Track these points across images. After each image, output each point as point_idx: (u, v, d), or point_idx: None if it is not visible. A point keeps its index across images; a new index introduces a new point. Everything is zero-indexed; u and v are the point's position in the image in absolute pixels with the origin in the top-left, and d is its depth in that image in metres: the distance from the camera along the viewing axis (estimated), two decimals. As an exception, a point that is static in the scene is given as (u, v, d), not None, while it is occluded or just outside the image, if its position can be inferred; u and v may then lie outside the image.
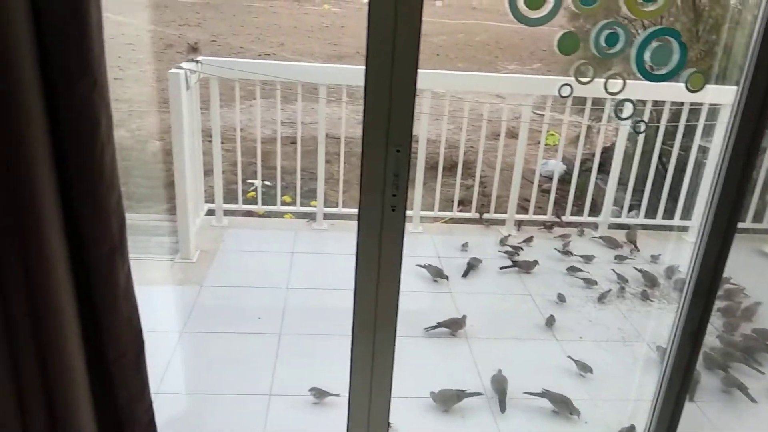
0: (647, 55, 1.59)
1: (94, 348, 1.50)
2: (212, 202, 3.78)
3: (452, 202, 4.62)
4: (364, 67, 1.57)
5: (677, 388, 1.92)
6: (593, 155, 4.13)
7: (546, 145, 5.72)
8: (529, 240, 3.83)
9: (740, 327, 2.98)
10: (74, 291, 1.42)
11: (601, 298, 3.21)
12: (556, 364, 2.71)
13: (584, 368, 2.65)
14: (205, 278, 3.14)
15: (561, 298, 3.17)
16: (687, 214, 3.97)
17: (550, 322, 2.97)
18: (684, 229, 4.00)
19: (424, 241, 3.85)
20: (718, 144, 2.65)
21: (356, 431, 1.96)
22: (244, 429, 2.21)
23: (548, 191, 4.51)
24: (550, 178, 4.54)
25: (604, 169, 4.11)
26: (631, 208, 4.11)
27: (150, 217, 4.36)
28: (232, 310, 2.92)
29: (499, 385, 2.51)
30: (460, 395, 2.42)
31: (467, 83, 4.14)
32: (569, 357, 2.70)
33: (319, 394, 2.36)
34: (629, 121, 1.76)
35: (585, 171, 4.29)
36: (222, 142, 4.76)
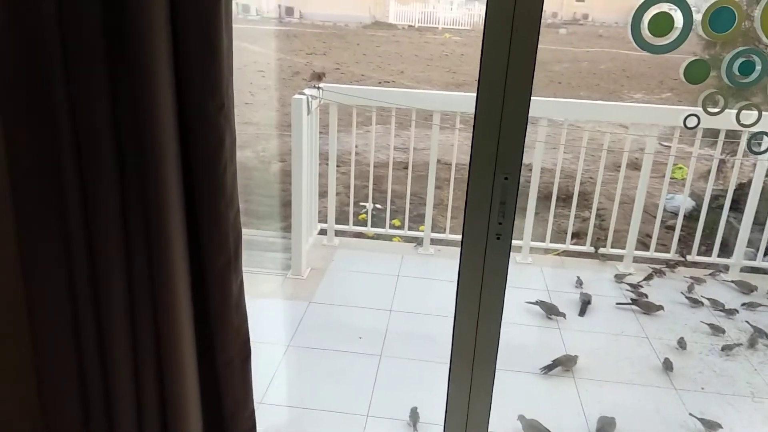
0: (788, 85, 1.46)
1: (205, 353, 1.59)
2: (325, 222, 3.90)
3: (565, 233, 4.46)
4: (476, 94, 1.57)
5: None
6: (726, 191, 3.81)
7: (673, 178, 5.38)
8: (649, 278, 3.60)
9: None
10: (191, 298, 1.52)
11: (728, 348, 2.93)
12: (672, 414, 2.50)
13: (711, 426, 2.42)
14: (314, 295, 3.24)
15: (681, 344, 2.93)
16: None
17: (668, 367, 2.76)
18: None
19: (534, 273, 3.73)
20: None
21: (450, 462, 1.92)
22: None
23: (673, 228, 4.22)
24: (676, 214, 4.24)
25: (737, 207, 3.78)
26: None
27: (268, 234, 4.60)
28: (337, 328, 2.99)
29: (602, 426, 2.37)
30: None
31: (582, 111, 4.00)
32: (691, 414, 2.47)
33: (415, 419, 2.35)
34: (766, 156, 1.62)
35: (715, 208, 3.97)
36: (338, 166, 4.95)
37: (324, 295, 3.25)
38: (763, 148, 1.59)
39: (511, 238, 1.68)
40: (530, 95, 1.54)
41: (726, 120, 1.72)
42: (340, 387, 2.56)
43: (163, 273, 1.44)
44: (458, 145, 3.90)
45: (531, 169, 3.71)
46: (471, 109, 3.91)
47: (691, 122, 1.62)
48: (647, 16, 1.45)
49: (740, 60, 1.47)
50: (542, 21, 1.47)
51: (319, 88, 3.41)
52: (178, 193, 1.42)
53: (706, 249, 3.91)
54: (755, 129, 1.57)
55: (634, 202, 3.77)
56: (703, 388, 2.68)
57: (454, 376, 1.82)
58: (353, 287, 3.42)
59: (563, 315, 3.17)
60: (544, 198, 4.30)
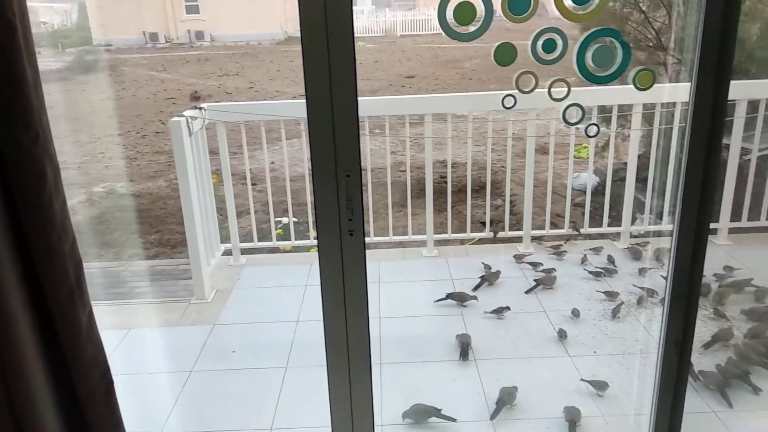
0: (589, 58, 1.56)
1: (63, 388, 1.56)
2: (249, 241, 3.94)
3: (479, 224, 4.59)
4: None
5: (670, 398, 1.82)
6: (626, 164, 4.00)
7: (579, 157, 5.63)
8: (557, 250, 3.76)
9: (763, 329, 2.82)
10: (39, 334, 1.49)
11: (616, 312, 3.09)
12: (567, 381, 2.61)
13: (600, 386, 2.53)
14: (218, 317, 3.21)
15: (575, 313, 3.07)
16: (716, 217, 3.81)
17: (563, 336, 2.89)
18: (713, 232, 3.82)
19: (440, 264, 3.82)
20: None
21: (343, 460, 1.94)
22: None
23: (580, 205, 4.40)
24: (583, 191, 4.44)
25: (639, 177, 3.98)
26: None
27: (179, 262, 4.51)
28: (241, 347, 2.97)
29: (502, 397, 2.47)
30: (432, 412, 2.38)
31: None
32: (582, 379, 2.58)
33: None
34: (581, 126, 1.74)
35: (618, 181, 4.18)
36: (254, 184, 4.92)
37: (229, 316, 3.22)
38: (576, 120, 1.70)
39: (364, 233, 1.72)
40: (356, 95, 1.60)
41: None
42: (243, 405, 2.54)
43: (3, 316, 1.40)
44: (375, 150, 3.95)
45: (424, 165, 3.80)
46: (372, 112, 3.98)
47: (509, 102, 1.72)
48: (451, 6, 1.52)
49: (543, 38, 1.57)
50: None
51: (200, 108, 3.39)
52: (5, 229, 1.39)
53: (611, 221, 4.09)
54: (567, 102, 1.68)
55: (544, 185, 3.91)
56: (595, 352, 2.81)
57: (332, 374, 1.85)
58: (260, 303, 3.41)
59: (475, 297, 3.26)
60: (455, 192, 4.44)
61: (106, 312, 3.36)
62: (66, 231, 1.46)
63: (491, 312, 3.13)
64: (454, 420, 2.36)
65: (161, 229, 5.96)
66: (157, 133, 9.42)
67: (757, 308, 3.02)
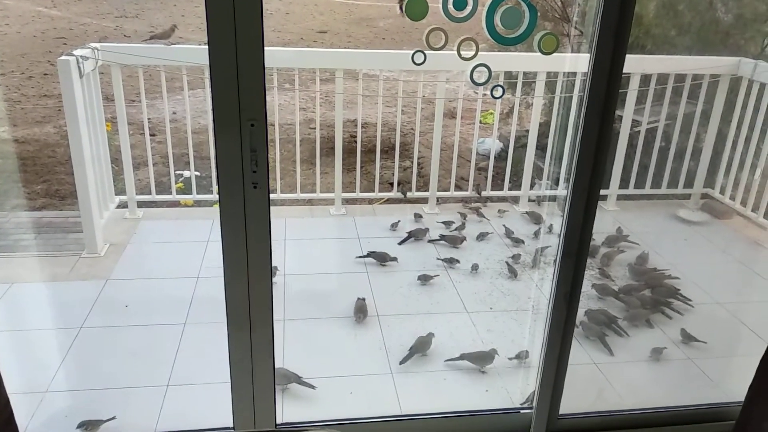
0: (497, 19, 1.58)
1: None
2: (147, 194, 3.76)
3: (388, 184, 4.62)
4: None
5: (557, 348, 1.94)
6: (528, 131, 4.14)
7: (485, 123, 5.77)
8: (464, 216, 3.90)
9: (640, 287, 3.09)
10: None
11: (513, 272, 3.24)
12: (463, 335, 2.73)
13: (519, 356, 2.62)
14: (112, 272, 3.05)
15: (475, 267, 3.21)
16: (606, 184, 4.05)
17: (475, 270, 3.11)
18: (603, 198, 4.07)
19: (347, 222, 3.83)
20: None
21: (241, 419, 1.93)
22: (135, 421, 2.15)
23: (484, 169, 4.54)
24: (487, 156, 4.57)
25: (540, 144, 4.14)
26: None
27: (68, 214, 4.23)
28: (137, 303, 2.85)
29: (416, 345, 2.56)
30: (293, 378, 2.36)
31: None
32: (510, 359, 2.61)
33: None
34: (486, 86, 1.78)
35: (520, 147, 4.31)
36: (153, 134, 4.65)
37: (123, 270, 3.08)
38: (483, 80, 1.73)
39: (269, 186, 1.67)
40: (263, 41, 1.54)
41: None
42: (139, 362, 2.46)
43: None
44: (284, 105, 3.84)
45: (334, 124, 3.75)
46: (283, 64, 3.82)
47: (419, 58, 1.71)
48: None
49: (454, -4, 1.57)
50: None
51: (92, 48, 3.14)
52: None
53: (512, 185, 4.24)
54: (475, 62, 1.70)
55: (451, 148, 3.96)
56: (491, 308, 2.94)
57: (232, 329, 1.81)
58: (157, 259, 3.28)
59: (395, 259, 3.29)
60: (367, 151, 4.43)
61: (-15, 265, 3.11)
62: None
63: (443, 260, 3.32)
64: (313, 387, 2.33)
65: (49, 179, 5.54)
66: (45, 75, 8.65)
67: (637, 269, 3.28)
